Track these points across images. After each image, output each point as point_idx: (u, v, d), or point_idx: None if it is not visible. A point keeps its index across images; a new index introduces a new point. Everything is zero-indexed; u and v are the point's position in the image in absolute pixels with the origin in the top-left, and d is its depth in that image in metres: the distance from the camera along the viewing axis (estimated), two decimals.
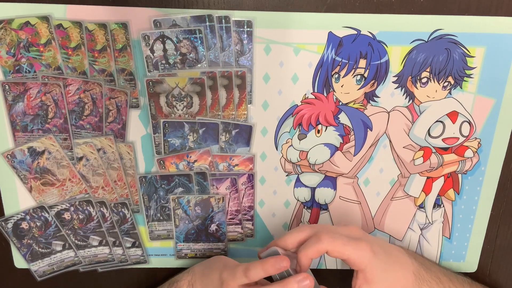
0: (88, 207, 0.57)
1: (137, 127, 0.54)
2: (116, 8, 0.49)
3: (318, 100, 0.53)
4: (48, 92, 0.52)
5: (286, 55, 0.51)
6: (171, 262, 0.61)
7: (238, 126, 0.54)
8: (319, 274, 0.63)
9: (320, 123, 0.55)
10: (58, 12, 0.49)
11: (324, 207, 0.59)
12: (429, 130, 0.55)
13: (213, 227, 0.59)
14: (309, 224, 0.60)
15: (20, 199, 0.56)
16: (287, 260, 0.45)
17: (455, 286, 0.55)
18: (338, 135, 0.55)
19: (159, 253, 0.61)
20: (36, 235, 0.58)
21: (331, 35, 0.50)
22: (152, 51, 0.50)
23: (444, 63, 0.52)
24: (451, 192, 0.59)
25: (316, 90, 0.53)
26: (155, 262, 0.61)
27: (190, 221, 0.58)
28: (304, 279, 0.45)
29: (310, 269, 0.49)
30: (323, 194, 0.58)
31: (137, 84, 0.52)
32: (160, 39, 0.50)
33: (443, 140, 0.56)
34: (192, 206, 0.57)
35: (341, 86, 0.53)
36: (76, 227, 0.58)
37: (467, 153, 0.56)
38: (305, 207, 0.59)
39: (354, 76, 0.52)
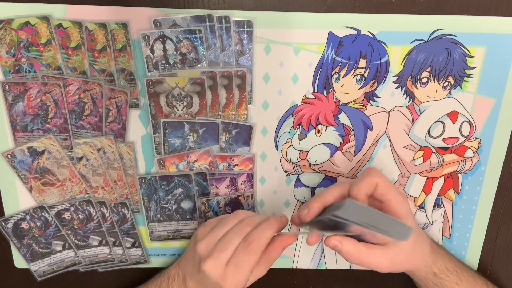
0: (88, 207, 0.57)
1: (137, 127, 0.54)
2: (116, 8, 0.49)
3: (318, 100, 0.53)
4: (48, 92, 0.52)
5: (286, 55, 0.51)
6: (172, 262, 0.61)
7: (238, 126, 0.54)
8: (319, 274, 0.63)
9: (320, 123, 0.55)
10: (58, 12, 0.49)
11: None
12: (429, 130, 0.55)
13: None
14: None
15: (20, 199, 0.56)
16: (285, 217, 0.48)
17: (464, 267, 0.56)
18: (338, 135, 0.55)
19: (159, 253, 0.61)
20: (36, 235, 0.58)
21: (331, 35, 0.50)
22: (152, 51, 0.50)
23: (444, 63, 0.52)
24: (451, 192, 0.59)
25: (316, 90, 0.53)
26: (155, 262, 0.61)
27: None
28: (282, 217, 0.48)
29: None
30: None
31: (137, 84, 0.52)
32: (160, 39, 0.50)
33: (443, 140, 0.56)
34: (222, 207, 0.57)
35: (341, 86, 0.53)
36: (76, 227, 0.58)
37: (467, 153, 0.56)
38: None
39: (354, 76, 0.52)
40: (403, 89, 0.53)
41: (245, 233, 0.47)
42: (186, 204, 0.57)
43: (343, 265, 0.62)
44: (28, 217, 0.57)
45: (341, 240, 0.46)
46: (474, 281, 0.55)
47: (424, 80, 0.53)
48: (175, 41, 0.50)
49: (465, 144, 0.56)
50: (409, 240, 0.46)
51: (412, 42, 0.51)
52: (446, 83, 0.53)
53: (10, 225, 0.57)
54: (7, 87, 0.51)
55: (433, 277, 0.53)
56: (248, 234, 0.47)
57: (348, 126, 0.55)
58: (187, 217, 0.58)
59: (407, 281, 0.59)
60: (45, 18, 0.49)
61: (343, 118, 0.54)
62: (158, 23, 0.49)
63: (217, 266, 0.46)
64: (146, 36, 0.50)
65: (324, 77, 0.52)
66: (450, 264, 0.54)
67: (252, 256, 0.46)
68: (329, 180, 0.57)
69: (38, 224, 0.57)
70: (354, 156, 0.56)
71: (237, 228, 0.47)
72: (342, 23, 0.50)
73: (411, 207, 0.59)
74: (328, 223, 0.45)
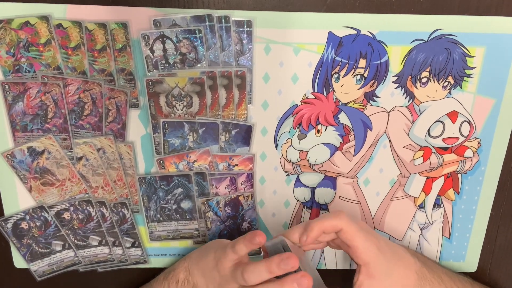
0: (87, 207, 0.57)
1: (137, 127, 0.54)
2: (116, 8, 0.49)
3: (318, 100, 0.53)
4: (47, 92, 0.51)
5: (286, 55, 0.51)
6: (171, 262, 0.61)
7: (238, 126, 0.54)
8: (319, 274, 0.63)
9: (320, 123, 0.55)
10: (58, 12, 0.49)
11: (324, 207, 0.59)
12: (429, 130, 0.55)
13: (245, 225, 0.59)
14: None
15: (20, 199, 0.56)
16: (294, 259, 0.43)
17: (457, 286, 0.55)
18: (338, 135, 0.55)
19: (159, 253, 0.61)
20: (36, 235, 0.58)
21: (331, 35, 0.50)
22: (152, 51, 0.50)
23: (444, 63, 0.52)
24: (451, 192, 0.59)
25: (316, 90, 0.53)
26: (155, 262, 0.61)
27: (222, 222, 0.58)
28: (303, 277, 0.43)
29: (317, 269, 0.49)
30: (323, 194, 0.58)
31: (137, 84, 0.52)
32: (160, 39, 0.50)
33: (443, 140, 0.56)
34: (222, 207, 0.57)
35: (341, 86, 0.53)
36: (75, 227, 0.58)
37: (467, 153, 0.56)
38: (305, 207, 0.59)
39: (354, 76, 0.52)
40: (403, 89, 0.53)
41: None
42: (185, 204, 0.57)
43: (343, 265, 0.62)
44: (27, 217, 0.57)
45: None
46: None
47: (424, 80, 0.53)
48: (175, 41, 0.50)
49: (465, 144, 0.56)
50: (385, 278, 0.47)
51: (412, 42, 0.51)
52: (446, 83, 0.53)
53: (9, 225, 0.57)
54: (6, 87, 0.51)
55: None
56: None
57: (348, 126, 0.55)
58: (187, 217, 0.58)
59: None
60: (45, 18, 0.49)
61: (343, 118, 0.54)
62: (158, 23, 0.49)
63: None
64: (146, 36, 0.50)
65: (324, 77, 0.52)
66: (440, 287, 0.53)
67: None
68: (329, 180, 0.57)
69: (38, 224, 0.57)
70: (354, 156, 0.56)
71: None
72: (342, 23, 0.50)
73: (411, 207, 0.59)
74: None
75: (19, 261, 0.60)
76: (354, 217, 0.59)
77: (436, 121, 0.55)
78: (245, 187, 0.57)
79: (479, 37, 0.51)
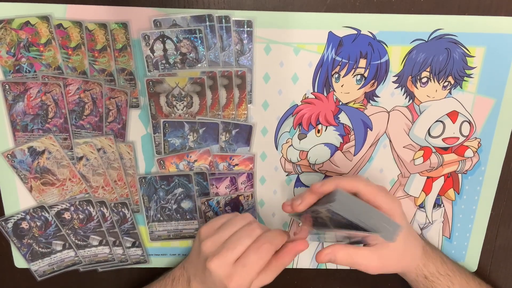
0: (88, 207, 0.57)
1: (137, 127, 0.54)
2: (116, 8, 0.49)
3: (318, 100, 0.53)
4: (48, 92, 0.52)
5: (286, 55, 0.51)
6: (172, 262, 0.61)
7: (238, 126, 0.54)
8: (319, 274, 0.63)
9: (320, 123, 0.55)
10: (58, 12, 0.49)
11: None
12: (429, 130, 0.55)
13: None
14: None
15: (20, 199, 0.56)
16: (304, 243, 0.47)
17: (457, 270, 0.55)
18: (338, 135, 0.55)
19: (159, 253, 0.61)
20: (36, 235, 0.58)
21: (331, 35, 0.50)
22: (152, 51, 0.50)
23: (444, 63, 0.52)
24: (451, 192, 0.59)
25: (316, 90, 0.53)
26: (155, 262, 0.61)
27: None
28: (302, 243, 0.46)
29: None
30: None
31: (137, 84, 0.52)
32: (160, 39, 0.50)
33: (443, 140, 0.56)
34: (222, 206, 0.57)
35: (341, 86, 0.53)
36: (76, 227, 0.58)
37: (467, 153, 0.56)
38: None
39: (354, 76, 0.52)
40: (403, 89, 0.53)
41: (256, 235, 0.46)
42: (186, 204, 0.58)
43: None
44: (28, 217, 0.57)
45: (333, 251, 0.46)
46: (467, 283, 0.55)
47: (424, 80, 0.53)
48: (175, 41, 0.50)
49: (465, 144, 0.56)
50: (399, 242, 0.46)
51: (412, 42, 0.51)
52: (446, 83, 0.53)
53: (10, 225, 0.57)
54: (7, 87, 0.51)
55: (423, 279, 0.53)
56: (260, 235, 0.46)
57: (348, 126, 0.55)
58: (187, 217, 0.58)
59: (407, 282, 0.59)
60: (45, 18, 0.49)
61: (343, 118, 0.54)
62: (158, 23, 0.49)
63: (224, 265, 0.45)
64: (146, 36, 0.50)
65: (324, 77, 0.52)
66: (442, 267, 0.54)
67: (263, 256, 0.45)
68: None
69: (38, 224, 0.57)
70: (354, 156, 0.56)
71: (248, 229, 0.47)
72: (342, 23, 0.50)
73: (411, 207, 0.59)
74: (319, 219, 0.46)
75: (19, 261, 0.60)
76: None
77: (436, 121, 0.55)
78: (245, 187, 0.57)
79: (479, 37, 0.51)
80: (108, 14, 0.49)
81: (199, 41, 0.50)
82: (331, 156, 0.56)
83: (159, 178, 0.56)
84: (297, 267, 0.62)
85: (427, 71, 0.52)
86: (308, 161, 0.56)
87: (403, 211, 0.49)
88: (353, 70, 0.52)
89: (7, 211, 0.57)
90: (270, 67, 0.52)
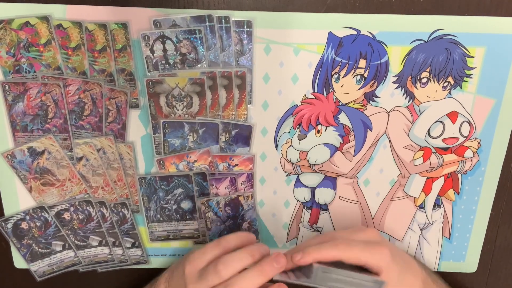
0: (88, 207, 0.57)
1: (137, 127, 0.54)
2: (116, 8, 0.49)
3: (318, 100, 0.53)
4: (48, 92, 0.52)
5: (286, 55, 0.51)
6: (171, 262, 0.61)
7: (238, 126, 0.54)
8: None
9: (320, 123, 0.55)
10: (58, 12, 0.49)
11: (324, 207, 0.59)
12: (429, 130, 0.55)
13: (245, 225, 0.59)
14: (310, 223, 0.60)
15: (20, 199, 0.56)
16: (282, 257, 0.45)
17: None
18: (338, 135, 0.55)
19: (159, 253, 0.61)
20: (36, 235, 0.58)
21: (331, 35, 0.50)
22: (152, 51, 0.50)
23: (444, 63, 0.52)
24: (451, 192, 0.59)
25: (316, 90, 0.53)
26: (155, 263, 0.61)
27: (222, 222, 0.58)
28: (279, 256, 0.45)
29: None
30: (323, 194, 0.58)
31: (137, 84, 0.52)
32: (160, 39, 0.50)
33: (443, 140, 0.56)
34: (222, 207, 0.57)
35: (341, 86, 0.53)
36: (76, 227, 0.58)
37: (467, 153, 0.56)
38: (305, 207, 0.59)
39: (354, 76, 0.52)
40: (403, 89, 0.53)
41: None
42: (186, 204, 0.58)
43: None
44: (28, 217, 0.57)
45: None
46: None
47: (424, 80, 0.53)
48: (175, 41, 0.50)
49: (465, 144, 0.56)
50: (393, 282, 0.47)
51: (412, 42, 0.51)
52: (446, 83, 0.53)
53: (10, 225, 0.57)
54: (7, 87, 0.51)
55: None
56: (233, 278, 0.45)
57: (348, 126, 0.55)
58: (187, 217, 0.58)
59: None
60: (45, 18, 0.49)
61: (343, 118, 0.54)
62: (158, 23, 0.49)
63: None
64: (146, 36, 0.50)
65: (324, 77, 0.52)
66: None
67: None
68: (329, 180, 0.57)
69: (38, 224, 0.57)
70: (354, 156, 0.56)
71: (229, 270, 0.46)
72: (342, 23, 0.50)
73: (411, 207, 0.59)
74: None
75: (19, 261, 0.60)
76: (354, 217, 0.59)
77: (436, 121, 0.55)
78: (245, 187, 0.57)
79: (479, 37, 0.51)
80: (108, 15, 0.49)
81: (199, 42, 0.50)
82: (331, 156, 0.56)
83: (159, 178, 0.56)
84: None
85: (427, 72, 0.52)
86: (308, 161, 0.56)
87: (393, 256, 0.48)
88: (353, 70, 0.52)
89: (7, 211, 0.57)
90: (270, 67, 0.52)
